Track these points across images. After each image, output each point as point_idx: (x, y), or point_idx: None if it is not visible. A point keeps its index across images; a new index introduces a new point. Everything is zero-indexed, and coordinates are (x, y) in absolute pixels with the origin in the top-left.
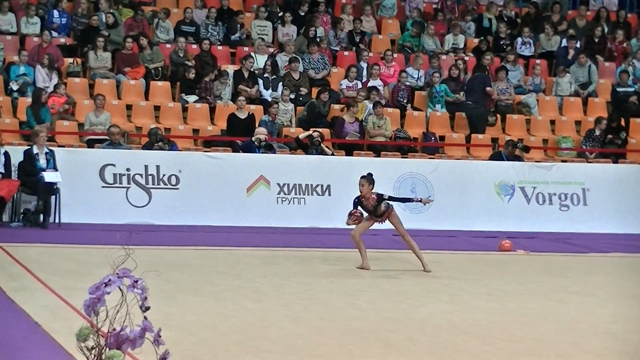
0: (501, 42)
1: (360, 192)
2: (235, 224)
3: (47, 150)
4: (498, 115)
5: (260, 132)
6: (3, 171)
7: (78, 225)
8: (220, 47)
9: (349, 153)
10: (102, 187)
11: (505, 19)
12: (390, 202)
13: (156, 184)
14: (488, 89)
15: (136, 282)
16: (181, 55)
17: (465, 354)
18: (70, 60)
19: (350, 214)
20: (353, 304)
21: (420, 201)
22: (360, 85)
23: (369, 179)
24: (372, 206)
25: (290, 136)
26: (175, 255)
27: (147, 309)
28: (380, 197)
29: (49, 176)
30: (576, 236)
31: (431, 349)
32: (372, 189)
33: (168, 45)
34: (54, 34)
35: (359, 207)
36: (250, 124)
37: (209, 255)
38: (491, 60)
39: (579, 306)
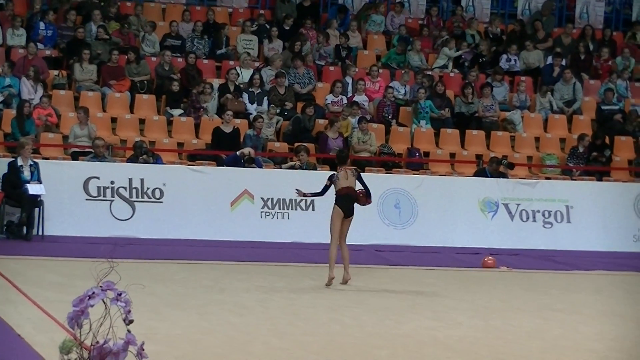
0: (482, 59)
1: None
2: (219, 238)
3: (32, 163)
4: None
5: (247, 149)
6: None
7: (62, 238)
8: (206, 61)
9: (334, 168)
10: (86, 199)
11: (491, 36)
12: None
13: (140, 197)
14: None
15: (120, 295)
16: (167, 68)
17: None
18: (56, 72)
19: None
20: (337, 319)
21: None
22: (345, 101)
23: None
24: (348, 177)
25: (275, 150)
26: (159, 268)
27: (131, 322)
28: (358, 171)
29: (33, 188)
30: (560, 253)
31: None
32: None
33: (154, 59)
34: (40, 45)
35: (334, 181)
36: (236, 138)
37: (192, 269)
38: (476, 77)
39: (563, 324)
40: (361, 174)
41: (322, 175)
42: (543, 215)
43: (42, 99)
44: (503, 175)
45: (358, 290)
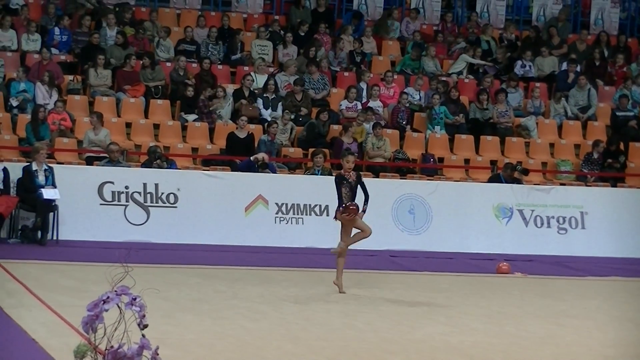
0: (497, 66)
1: (347, 169)
2: (233, 243)
3: (46, 167)
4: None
5: (261, 154)
6: (2, 187)
7: (76, 243)
8: (220, 66)
9: None
10: (101, 204)
11: (505, 42)
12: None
13: (155, 202)
14: None
15: (134, 299)
16: (181, 73)
17: None
18: (71, 77)
19: (345, 208)
20: (351, 325)
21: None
22: (359, 106)
23: (353, 154)
24: (353, 181)
25: (290, 156)
26: (173, 273)
27: (145, 326)
28: (359, 174)
29: (47, 193)
30: (574, 259)
31: None
32: None
33: (168, 64)
34: (55, 50)
35: (341, 186)
36: (250, 143)
37: (207, 274)
38: (491, 83)
39: (577, 330)
40: (363, 179)
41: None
42: (557, 221)
43: (56, 104)
44: (517, 181)
45: (372, 295)
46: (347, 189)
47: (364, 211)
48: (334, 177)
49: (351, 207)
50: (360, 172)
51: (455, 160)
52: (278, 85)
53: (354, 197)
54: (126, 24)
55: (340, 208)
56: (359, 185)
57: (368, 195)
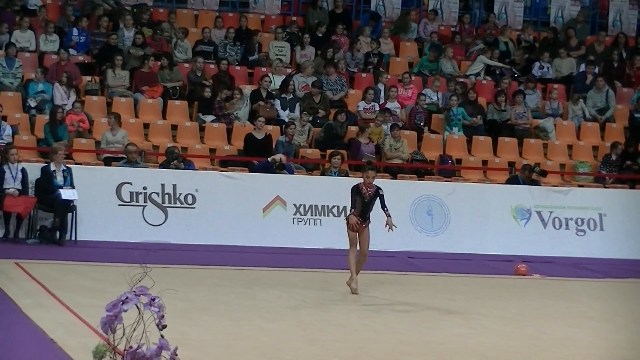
0: (514, 68)
1: (367, 183)
2: (251, 244)
3: (64, 168)
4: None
5: (279, 155)
6: (20, 188)
7: (94, 243)
8: (238, 67)
9: None
10: (119, 205)
11: (523, 43)
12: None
13: (173, 202)
14: None
15: (153, 300)
16: (199, 74)
17: None
18: (89, 78)
19: (349, 221)
20: (368, 326)
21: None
22: (377, 107)
23: (375, 168)
24: (369, 196)
25: (307, 157)
26: (192, 274)
27: (164, 327)
28: (378, 188)
29: (65, 193)
30: (592, 261)
31: None
32: None
33: (186, 65)
34: (72, 51)
35: (356, 197)
36: (267, 144)
37: (225, 275)
38: (509, 84)
39: (595, 332)
40: (383, 195)
41: (351, 183)
42: (576, 222)
43: (74, 105)
44: (535, 183)
45: (389, 297)
46: (359, 202)
47: (388, 216)
48: (351, 187)
49: (358, 223)
50: (381, 188)
51: (473, 161)
52: (295, 86)
53: (366, 211)
54: (144, 24)
55: (352, 210)
56: (377, 199)
57: (385, 208)
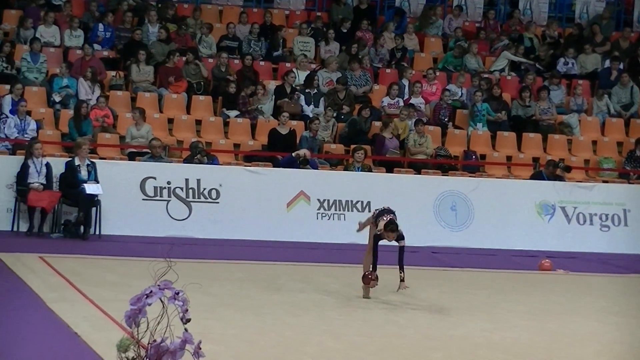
0: (538, 64)
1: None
2: (275, 239)
3: (89, 163)
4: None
5: (303, 151)
6: (44, 182)
7: (118, 238)
8: (262, 63)
9: (390, 170)
10: (143, 199)
11: (548, 39)
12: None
13: (197, 197)
14: None
15: (177, 294)
16: (223, 70)
17: None
18: (113, 73)
19: (367, 278)
20: (392, 321)
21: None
22: (401, 103)
23: (395, 229)
24: (390, 239)
25: (331, 152)
26: (215, 268)
27: (188, 321)
28: (400, 236)
29: (90, 188)
30: (616, 257)
31: None
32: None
33: (210, 60)
34: (97, 46)
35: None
36: (291, 139)
37: (248, 270)
38: (533, 80)
39: (619, 327)
40: (404, 247)
41: (375, 178)
42: (600, 218)
43: (99, 100)
44: (560, 179)
45: (413, 291)
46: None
47: (401, 280)
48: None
49: (369, 277)
50: (404, 239)
51: (497, 157)
52: (320, 82)
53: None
54: (168, 20)
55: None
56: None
57: (402, 264)
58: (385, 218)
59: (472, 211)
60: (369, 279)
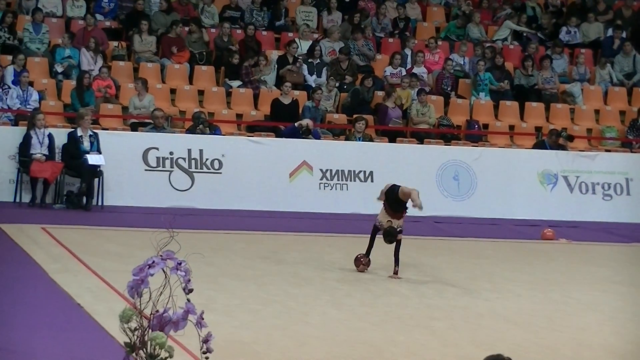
0: (539, 32)
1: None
2: (278, 209)
3: (91, 133)
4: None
5: (305, 121)
6: (47, 153)
7: (121, 208)
8: (264, 33)
9: (392, 140)
10: (145, 170)
11: (551, 8)
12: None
13: (199, 168)
14: None
15: (180, 264)
16: (225, 40)
17: (508, 342)
18: (115, 43)
19: (358, 261)
20: (395, 291)
21: None
22: (404, 73)
23: (391, 241)
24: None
25: (334, 122)
26: (218, 239)
27: (190, 291)
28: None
29: (92, 159)
30: (619, 226)
31: (474, 337)
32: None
33: (213, 30)
34: (99, 17)
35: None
36: (294, 109)
37: (251, 240)
38: (536, 49)
39: (621, 296)
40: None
41: (378, 148)
42: (602, 187)
43: (101, 70)
44: (562, 148)
45: (416, 261)
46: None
47: (395, 272)
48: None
49: (361, 260)
50: (401, 237)
51: (500, 126)
52: (322, 52)
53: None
54: None
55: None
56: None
57: (397, 256)
58: (388, 216)
59: (475, 181)
60: (360, 262)
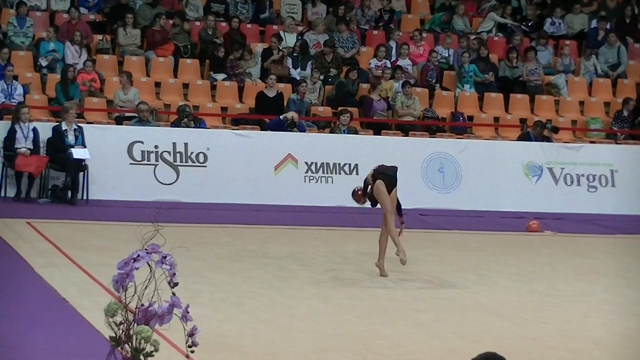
0: (524, 24)
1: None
2: (263, 202)
3: (76, 127)
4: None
5: (290, 113)
6: (32, 147)
7: (106, 202)
8: (249, 26)
9: (377, 132)
10: (130, 164)
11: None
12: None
13: (184, 161)
14: None
15: (165, 257)
16: (210, 33)
17: (493, 334)
18: (100, 37)
19: (357, 194)
20: (381, 283)
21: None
22: (389, 65)
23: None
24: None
25: (319, 115)
26: (203, 232)
27: (176, 285)
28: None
29: (77, 153)
30: (604, 217)
31: (459, 329)
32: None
33: (197, 23)
34: (84, 10)
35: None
36: (279, 102)
37: (236, 233)
38: (520, 41)
39: (607, 288)
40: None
41: (363, 141)
42: (587, 179)
43: (86, 64)
44: (547, 139)
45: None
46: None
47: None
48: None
49: (359, 193)
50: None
51: (485, 118)
52: (307, 45)
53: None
54: None
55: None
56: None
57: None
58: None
59: (460, 173)
60: (359, 196)
